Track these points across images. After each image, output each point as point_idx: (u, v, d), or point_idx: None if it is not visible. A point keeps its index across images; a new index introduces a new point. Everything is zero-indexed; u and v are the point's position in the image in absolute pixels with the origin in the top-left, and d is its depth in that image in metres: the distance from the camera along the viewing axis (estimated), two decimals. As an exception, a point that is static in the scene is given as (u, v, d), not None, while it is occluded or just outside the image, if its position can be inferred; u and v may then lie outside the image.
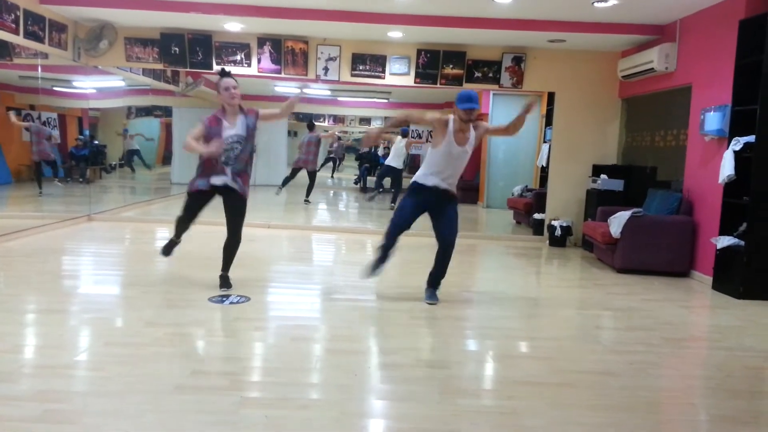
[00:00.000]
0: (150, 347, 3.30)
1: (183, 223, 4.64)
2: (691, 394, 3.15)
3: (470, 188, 12.77)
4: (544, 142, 9.48)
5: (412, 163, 16.92)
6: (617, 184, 7.28)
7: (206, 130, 4.29)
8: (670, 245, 5.95)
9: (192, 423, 2.46)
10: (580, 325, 4.34)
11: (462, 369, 3.28)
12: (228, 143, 4.30)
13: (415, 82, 7.93)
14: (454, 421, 2.58)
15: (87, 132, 11.56)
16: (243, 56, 7.82)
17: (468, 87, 8.10)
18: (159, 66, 8.03)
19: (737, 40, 5.25)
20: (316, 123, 13.73)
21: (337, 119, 19.82)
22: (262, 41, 7.78)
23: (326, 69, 7.87)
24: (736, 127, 5.28)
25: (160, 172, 14.33)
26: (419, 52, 7.81)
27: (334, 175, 21.48)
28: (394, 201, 10.69)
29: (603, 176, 7.40)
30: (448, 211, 4.40)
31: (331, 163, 21.73)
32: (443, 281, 4.57)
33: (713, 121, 5.57)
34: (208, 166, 4.34)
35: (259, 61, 7.84)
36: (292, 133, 21.86)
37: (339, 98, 14.91)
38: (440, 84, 7.93)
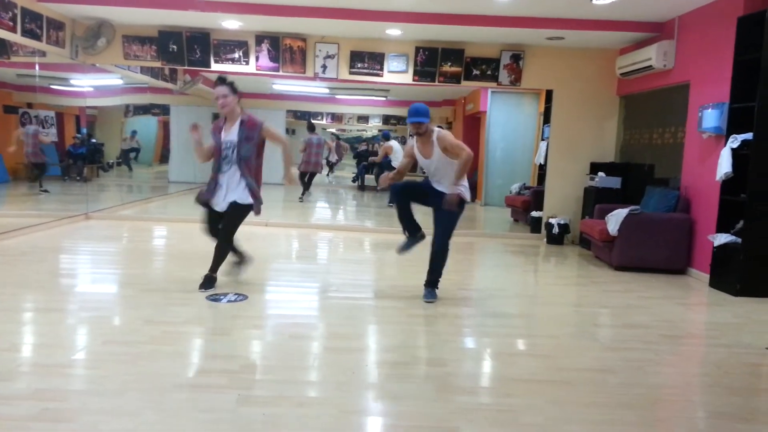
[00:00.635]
0: (148, 345, 3.30)
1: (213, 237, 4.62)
2: (689, 391, 3.15)
3: (468, 186, 12.76)
4: (542, 139, 9.47)
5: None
6: (615, 182, 7.29)
7: (213, 137, 4.52)
8: (668, 243, 5.96)
9: (190, 421, 2.46)
10: (578, 322, 4.35)
11: (459, 366, 3.28)
12: (223, 149, 4.43)
13: (413, 80, 7.93)
14: (452, 418, 2.58)
15: (84, 130, 11.54)
16: (241, 54, 7.80)
17: (466, 85, 8.12)
18: (157, 64, 8.02)
19: (735, 37, 5.25)
20: (313, 121, 13.76)
21: (335, 117, 19.81)
22: (260, 39, 7.76)
23: (324, 67, 7.86)
24: (733, 125, 5.28)
25: (158, 170, 14.31)
26: (418, 49, 7.80)
27: (330, 175, 21.47)
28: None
29: (601, 174, 7.40)
30: (444, 215, 4.42)
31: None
32: (442, 279, 4.58)
33: (711, 118, 5.58)
34: (211, 177, 4.53)
35: (257, 58, 7.83)
36: (290, 131, 21.85)
37: (337, 96, 14.89)
38: (438, 82, 7.92)
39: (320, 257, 6.66)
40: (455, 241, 4.57)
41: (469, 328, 4.13)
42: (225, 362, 3.14)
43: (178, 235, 7.34)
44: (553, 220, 7.77)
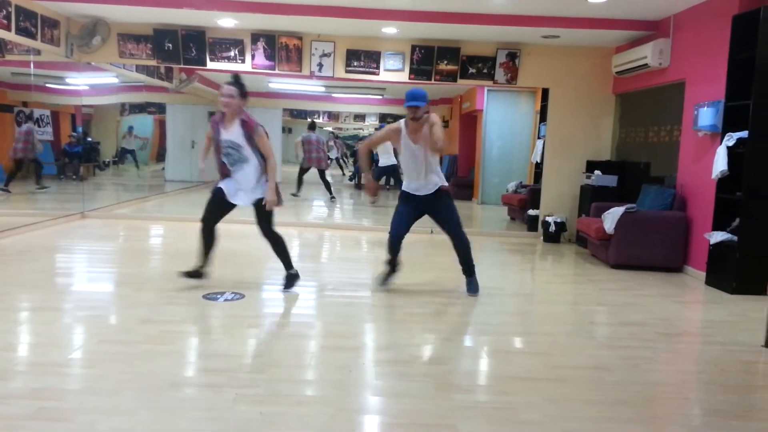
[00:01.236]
0: (144, 344, 3.30)
1: (205, 235, 4.48)
2: (685, 389, 3.17)
3: (465, 185, 12.78)
4: (539, 138, 9.49)
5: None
6: (611, 180, 7.30)
7: (211, 131, 4.44)
8: (664, 241, 5.97)
9: (187, 420, 2.46)
10: (575, 320, 4.35)
11: (457, 365, 3.29)
12: (223, 147, 4.36)
13: (409, 78, 7.92)
14: (449, 416, 2.58)
15: (80, 129, 11.49)
16: (237, 52, 7.78)
17: (462, 83, 8.12)
18: (152, 62, 7.99)
19: (731, 35, 5.26)
20: (310, 120, 13.76)
21: (332, 116, 19.78)
22: (255, 37, 7.74)
23: (320, 65, 7.85)
24: (729, 123, 5.29)
25: (154, 169, 14.27)
26: (414, 48, 7.80)
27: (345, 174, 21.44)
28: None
29: (597, 172, 7.41)
30: (442, 209, 4.50)
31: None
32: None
33: (706, 116, 5.59)
34: (221, 168, 4.44)
35: (252, 57, 7.81)
36: (286, 130, 21.81)
37: (333, 95, 14.87)
38: (435, 80, 7.92)
39: (317, 256, 6.66)
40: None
41: (466, 326, 4.14)
42: (222, 361, 3.13)
43: (174, 234, 7.32)
44: (549, 219, 7.78)
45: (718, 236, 5.30)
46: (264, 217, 4.44)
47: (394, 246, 4.56)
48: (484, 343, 3.67)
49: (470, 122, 13.36)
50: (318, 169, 11.42)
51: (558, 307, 4.72)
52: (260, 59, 7.81)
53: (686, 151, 6.16)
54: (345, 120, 20.65)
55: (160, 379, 2.83)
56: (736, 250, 5.14)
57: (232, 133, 4.32)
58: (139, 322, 3.70)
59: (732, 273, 5.17)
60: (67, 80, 9.33)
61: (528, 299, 4.99)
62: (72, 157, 11.24)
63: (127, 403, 2.56)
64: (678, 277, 5.87)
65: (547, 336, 3.88)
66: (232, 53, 7.79)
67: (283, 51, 7.78)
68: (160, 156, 14.38)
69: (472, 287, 4.63)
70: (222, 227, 4.50)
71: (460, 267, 4.67)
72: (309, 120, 12.29)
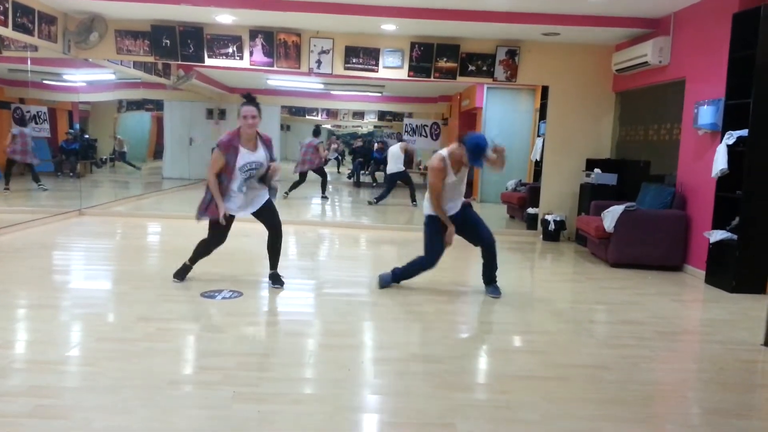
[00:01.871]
0: (142, 342, 3.28)
1: (208, 248, 4.56)
2: (684, 388, 3.16)
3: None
4: (538, 136, 9.48)
5: (408, 157, 16.94)
6: (611, 179, 7.30)
7: (225, 158, 4.20)
8: (664, 239, 5.97)
9: (185, 418, 2.45)
10: (574, 319, 4.34)
11: (456, 363, 3.27)
12: (245, 170, 4.27)
13: (408, 76, 7.91)
14: (448, 415, 2.57)
15: (77, 126, 11.45)
16: (235, 49, 7.76)
17: (462, 81, 8.09)
18: (150, 59, 7.95)
19: (731, 33, 5.25)
20: (308, 117, 13.72)
21: (330, 113, 19.73)
22: (254, 34, 7.71)
23: (319, 62, 7.83)
24: (729, 121, 5.28)
25: (152, 166, 14.22)
26: (413, 45, 7.77)
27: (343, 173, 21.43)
28: (413, 199, 10.97)
29: (597, 170, 7.41)
30: (470, 219, 4.66)
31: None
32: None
33: (706, 115, 5.58)
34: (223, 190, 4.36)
35: (251, 53, 7.78)
36: (285, 127, 21.79)
37: (332, 92, 14.84)
38: (434, 77, 7.90)
39: (315, 254, 6.64)
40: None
41: (464, 324, 4.13)
42: (220, 359, 3.12)
43: (171, 232, 7.30)
44: (549, 217, 7.77)
45: (717, 235, 5.29)
46: (275, 213, 4.57)
47: (434, 262, 4.61)
48: (483, 341, 3.67)
49: (470, 120, 13.35)
50: (313, 170, 11.39)
51: (557, 305, 4.71)
52: (258, 56, 7.78)
53: (686, 150, 6.16)
54: (344, 117, 20.59)
55: (158, 377, 2.82)
56: (736, 249, 5.14)
57: (259, 154, 4.31)
58: (136, 319, 3.68)
59: (732, 271, 5.17)
60: (65, 77, 9.28)
61: (527, 298, 4.97)
62: (69, 154, 11.19)
63: (125, 401, 2.55)
64: (677, 275, 5.86)
65: (546, 335, 3.87)
66: (230, 50, 7.76)
67: (282, 48, 7.76)
68: (158, 153, 14.34)
69: (497, 291, 4.72)
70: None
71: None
72: (315, 127, 12.41)
